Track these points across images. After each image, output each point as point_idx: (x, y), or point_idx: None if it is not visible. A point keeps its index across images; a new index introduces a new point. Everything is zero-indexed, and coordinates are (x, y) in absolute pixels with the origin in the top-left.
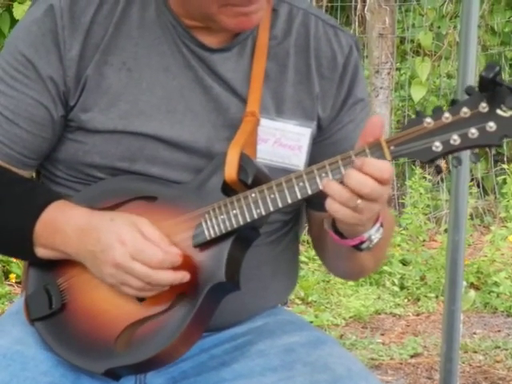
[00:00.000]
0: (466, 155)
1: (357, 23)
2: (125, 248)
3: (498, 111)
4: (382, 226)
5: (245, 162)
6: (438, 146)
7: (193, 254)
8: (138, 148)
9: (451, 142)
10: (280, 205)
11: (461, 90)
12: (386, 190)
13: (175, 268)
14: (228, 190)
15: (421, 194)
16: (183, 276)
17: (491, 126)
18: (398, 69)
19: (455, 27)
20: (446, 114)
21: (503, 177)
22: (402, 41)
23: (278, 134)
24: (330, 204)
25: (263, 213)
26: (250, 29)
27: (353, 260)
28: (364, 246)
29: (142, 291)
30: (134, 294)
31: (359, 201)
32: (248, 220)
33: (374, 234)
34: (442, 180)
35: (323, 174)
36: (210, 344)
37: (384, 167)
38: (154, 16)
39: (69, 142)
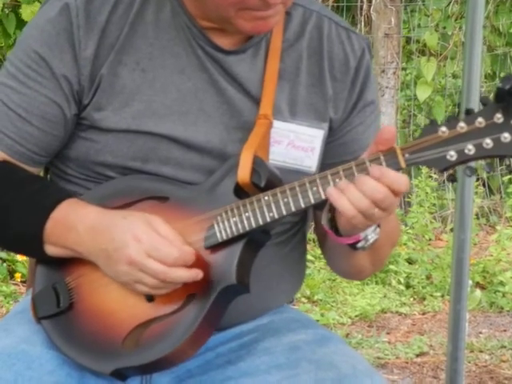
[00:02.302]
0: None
1: (363, 23)
2: (140, 245)
3: None
4: (378, 226)
5: (258, 164)
6: (452, 155)
7: (204, 256)
8: (150, 148)
9: (466, 151)
10: (293, 209)
11: (466, 90)
12: (398, 200)
13: (188, 267)
14: (240, 192)
15: (427, 193)
16: (197, 274)
17: (506, 136)
18: (404, 68)
19: (460, 28)
20: (461, 124)
21: (509, 176)
22: (408, 41)
23: (292, 136)
24: (348, 209)
25: (276, 216)
26: (266, 32)
27: (350, 259)
28: (359, 245)
29: (155, 289)
30: (147, 292)
31: (376, 210)
32: (260, 223)
33: (371, 233)
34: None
35: (337, 180)
36: (215, 342)
37: (402, 180)
38: (169, 17)
39: (81, 140)
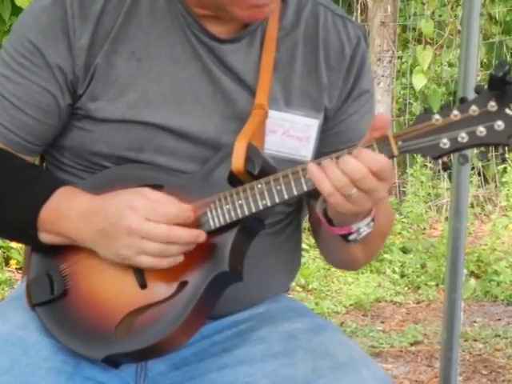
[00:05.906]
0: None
1: (359, 11)
2: (136, 212)
3: (507, 110)
4: (373, 220)
5: (252, 153)
6: (445, 142)
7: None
8: (145, 138)
9: (459, 139)
10: (286, 196)
11: (463, 78)
12: (382, 187)
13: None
14: (234, 180)
15: (422, 182)
16: (199, 234)
17: (499, 124)
18: (400, 57)
19: (456, 16)
20: (455, 112)
21: (504, 166)
22: (404, 29)
23: (287, 126)
24: (325, 187)
25: (269, 204)
26: (262, 20)
27: (343, 250)
28: (351, 237)
29: (160, 257)
30: (152, 264)
31: (354, 190)
32: (253, 211)
33: (364, 227)
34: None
35: None
36: (211, 330)
37: (376, 159)
38: (164, 5)
39: (76, 129)
